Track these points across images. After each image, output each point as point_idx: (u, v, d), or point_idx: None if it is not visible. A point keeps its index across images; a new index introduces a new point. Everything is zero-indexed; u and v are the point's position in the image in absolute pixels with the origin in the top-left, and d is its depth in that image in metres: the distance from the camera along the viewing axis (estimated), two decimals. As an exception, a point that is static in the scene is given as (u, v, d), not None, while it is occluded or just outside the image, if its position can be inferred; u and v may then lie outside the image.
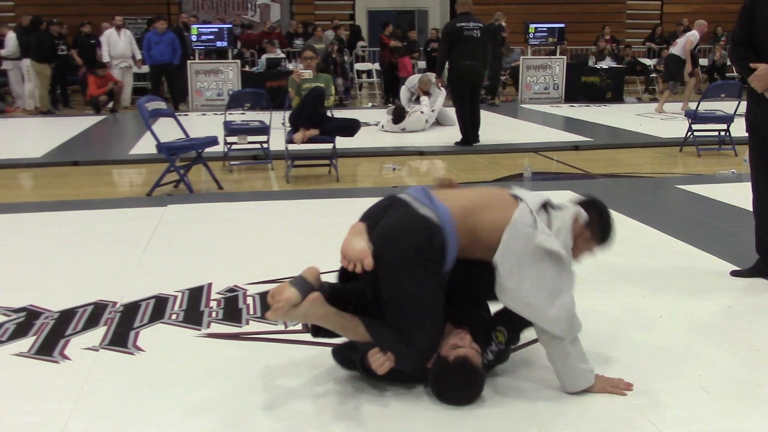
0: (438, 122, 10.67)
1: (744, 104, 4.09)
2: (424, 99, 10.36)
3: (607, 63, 15.35)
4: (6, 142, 9.70)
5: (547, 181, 7.17)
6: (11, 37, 13.27)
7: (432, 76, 10.63)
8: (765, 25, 3.65)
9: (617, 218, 5.21)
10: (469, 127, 9.01)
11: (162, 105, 7.09)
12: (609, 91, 14.66)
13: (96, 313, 3.52)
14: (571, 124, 11.19)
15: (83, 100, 13.82)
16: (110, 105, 13.15)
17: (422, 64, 15.24)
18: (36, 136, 10.54)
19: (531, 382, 2.81)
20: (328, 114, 7.32)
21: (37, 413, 2.60)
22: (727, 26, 16.53)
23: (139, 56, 13.83)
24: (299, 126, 7.07)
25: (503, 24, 13.80)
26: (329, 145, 7.21)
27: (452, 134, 9.42)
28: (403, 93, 10.91)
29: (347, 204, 5.85)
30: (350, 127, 7.26)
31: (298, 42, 15.76)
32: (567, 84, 14.68)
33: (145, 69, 14.20)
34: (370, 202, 5.64)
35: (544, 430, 2.49)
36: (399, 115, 10.13)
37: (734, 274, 4.03)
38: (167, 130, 7.30)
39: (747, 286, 3.89)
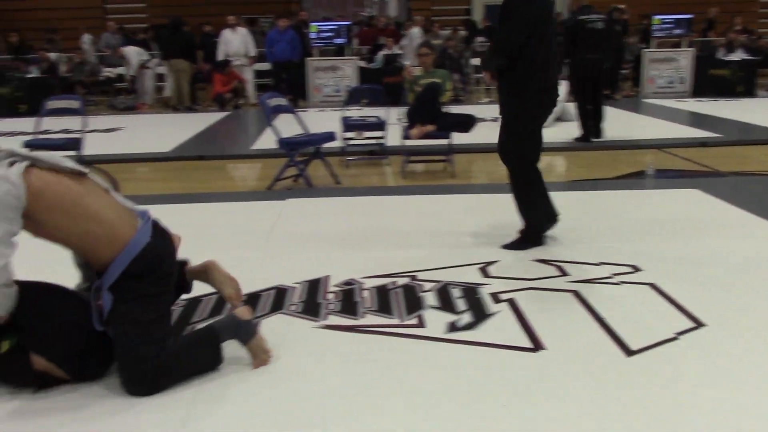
0: (558, 117, 10.44)
1: None
2: None
3: (738, 55, 14.59)
4: (139, 138, 10.26)
5: (672, 179, 6.90)
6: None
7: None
8: None
9: (746, 218, 4.99)
10: (590, 123, 8.81)
11: (283, 101, 7.29)
12: (740, 84, 13.94)
13: (220, 302, 3.66)
14: (697, 120, 10.72)
15: (208, 98, 14.38)
16: (235, 102, 13.62)
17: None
18: (165, 131, 11.06)
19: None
20: (444, 109, 7.32)
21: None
22: None
23: (253, 53, 14.13)
24: (416, 122, 7.11)
25: (623, 17, 13.44)
26: (445, 141, 7.22)
27: (571, 130, 9.22)
28: None
29: (463, 200, 5.85)
30: (466, 123, 7.23)
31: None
32: (694, 77, 14.07)
33: (261, 66, 14.65)
34: (484, 198, 5.55)
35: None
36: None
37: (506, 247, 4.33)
38: (287, 125, 7.50)
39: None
